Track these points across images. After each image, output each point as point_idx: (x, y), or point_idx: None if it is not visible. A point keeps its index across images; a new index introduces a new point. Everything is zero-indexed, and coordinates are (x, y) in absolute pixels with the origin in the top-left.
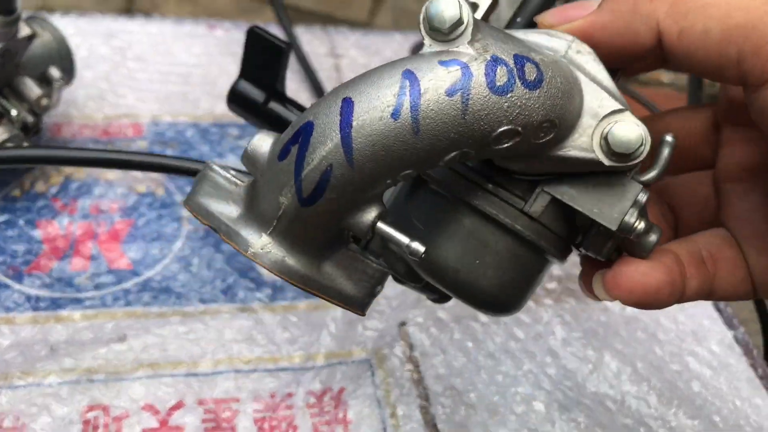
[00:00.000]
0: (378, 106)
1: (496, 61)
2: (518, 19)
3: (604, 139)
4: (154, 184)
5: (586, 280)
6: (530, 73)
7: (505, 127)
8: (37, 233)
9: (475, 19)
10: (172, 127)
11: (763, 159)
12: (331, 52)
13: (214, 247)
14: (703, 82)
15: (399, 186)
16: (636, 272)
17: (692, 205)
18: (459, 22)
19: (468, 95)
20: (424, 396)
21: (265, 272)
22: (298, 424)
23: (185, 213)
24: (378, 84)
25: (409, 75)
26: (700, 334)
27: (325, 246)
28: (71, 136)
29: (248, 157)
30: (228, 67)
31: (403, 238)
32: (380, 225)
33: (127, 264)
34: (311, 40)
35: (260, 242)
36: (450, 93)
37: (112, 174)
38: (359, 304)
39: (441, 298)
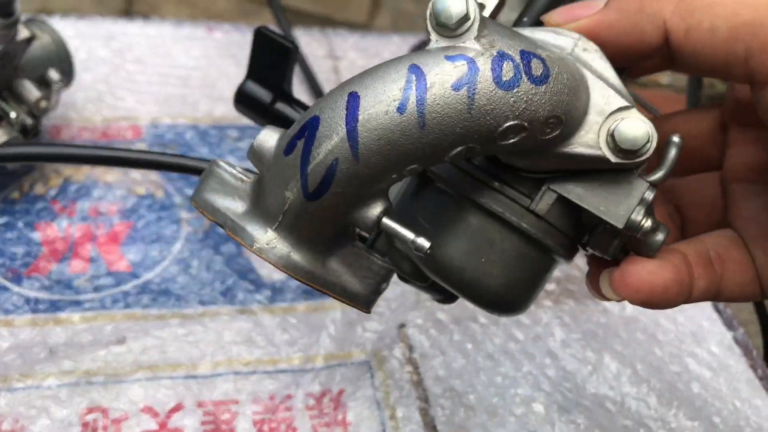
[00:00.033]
0: (384, 100)
1: (502, 56)
2: (525, 19)
3: (611, 135)
4: (153, 186)
5: (593, 279)
6: (537, 68)
7: (511, 122)
8: (36, 235)
9: (481, 16)
10: (171, 130)
11: None
12: (329, 54)
13: (213, 249)
14: (702, 84)
15: (405, 185)
16: (643, 271)
17: (699, 206)
18: (465, 17)
19: (474, 90)
20: (424, 398)
21: (264, 274)
22: (298, 426)
23: (184, 215)
24: (384, 78)
25: (416, 69)
26: (699, 335)
27: (330, 242)
28: (70, 139)
29: (254, 153)
30: (227, 70)
31: (409, 234)
32: (385, 220)
33: (126, 266)
34: (310, 42)
35: (266, 237)
36: (456, 87)
37: (111, 176)
38: (364, 302)
39: (447, 299)
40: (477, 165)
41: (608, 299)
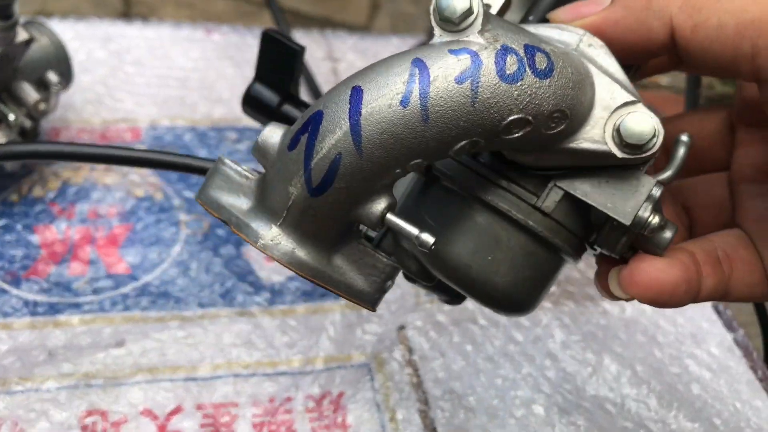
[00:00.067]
0: (387, 94)
1: (506, 50)
2: (530, 18)
3: (617, 130)
4: (152, 189)
5: (601, 278)
6: (541, 62)
7: (515, 116)
8: (35, 238)
9: (485, 11)
10: (170, 131)
11: None
12: (328, 56)
13: (212, 251)
14: (700, 85)
15: (410, 184)
16: (652, 269)
17: (707, 206)
18: (469, 11)
19: (477, 83)
20: (424, 400)
21: (263, 276)
22: (298, 428)
23: (183, 217)
24: (387, 72)
25: (419, 63)
26: (699, 336)
27: (335, 238)
28: (69, 141)
29: (258, 149)
30: (225, 71)
31: (413, 230)
32: (390, 216)
33: (125, 268)
34: (309, 44)
35: (270, 234)
36: (459, 81)
37: (110, 178)
38: (370, 300)
39: (453, 299)
40: (483, 162)
41: (617, 298)
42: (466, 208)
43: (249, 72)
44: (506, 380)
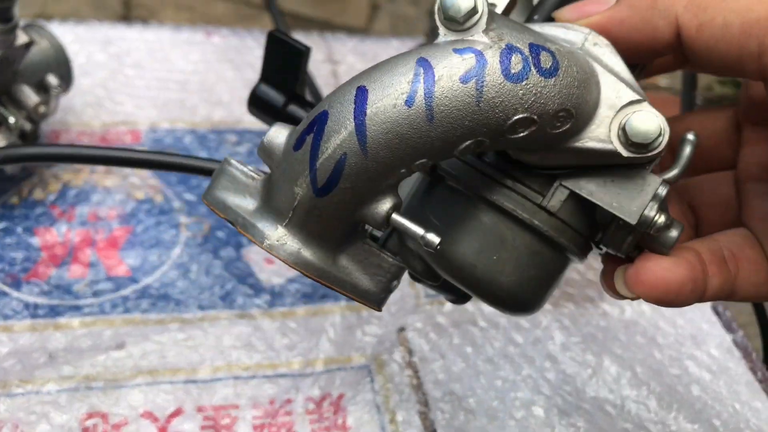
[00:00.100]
0: (392, 94)
1: (510, 49)
2: (535, 17)
3: (622, 129)
4: (152, 191)
5: (607, 277)
6: (546, 61)
7: (521, 115)
8: (36, 240)
9: (490, 10)
10: (170, 134)
11: None
12: (328, 59)
13: (212, 254)
14: (696, 86)
15: (415, 184)
16: (658, 267)
17: (713, 205)
18: (474, 11)
19: (482, 82)
20: (424, 401)
21: (263, 278)
22: (298, 430)
23: (183, 219)
24: (392, 72)
25: (424, 62)
26: (699, 337)
27: (340, 238)
28: (70, 143)
29: (264, 149)
30: (225, 74)
31: (418, 229)
32: (395, 216)
33: (125, 271)
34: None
35: (276, 234)
36: (464, 80)
37: (110, 181)
38: (375, 299)
39: (459, 299)
40: (488, 162)
41: (623, 297)
42: (471, 207)
43: (249, 75)
44: (506, 382)
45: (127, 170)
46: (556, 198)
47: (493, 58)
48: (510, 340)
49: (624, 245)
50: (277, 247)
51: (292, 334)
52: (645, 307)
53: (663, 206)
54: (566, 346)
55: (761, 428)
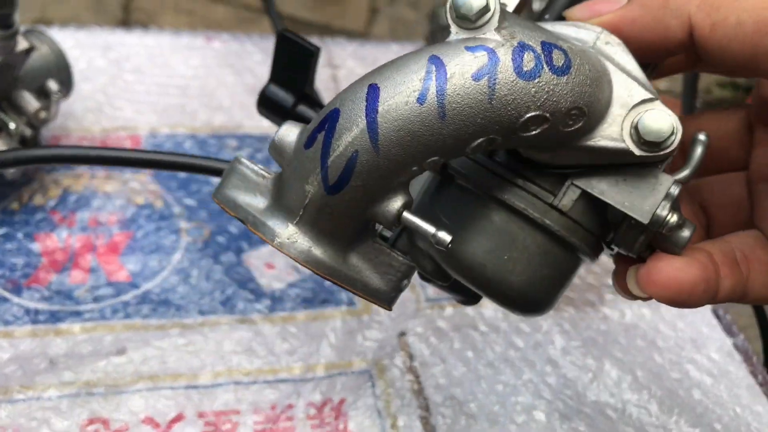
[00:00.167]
0: (404, 91)
1: (523, 47)
2: (546, 16)
3: (635, 128)
4: (152, 196)
5: (619, 278)
6: (558, 59)
7: (533, 113)
8: (36, 246)
9: (501, 8)
10: (170, 139)
11: None
12: (328, 63)
13: (212, 259)
14: (696, 89)
15: (426, 184)
16: (671, 268)
17: (725, 205)
18: (486, 8)
19: (495, 80)
20: (425, 406)
21: (264, 283)
22: None
23: (183, 225)
24: (404, 69)
25: (435, 60)
26: (699, 341)
27: (351, 236)
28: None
29: (275, 148)
30: (225, 79)
31: (429, 228)
32: (406, 214)
33: (126, 276)
34: None
35: (287, 232)
36: (476, 77)
37: (110, 186)
38: (386, 298)
39: (468, 300)
40: (499, 161)
41: (635, 298)
42: (481, 207)
43: (249, 79)
44: (507, 386)
45: (127, 175)
46: (568, 197)
47: (505, 56)
48: (511, 345)
49: (636, 245)
50: (287, 245)
51: (292, 339)
52: (645, 310)
53: (675, 206)
54: (567, 350)
55: None
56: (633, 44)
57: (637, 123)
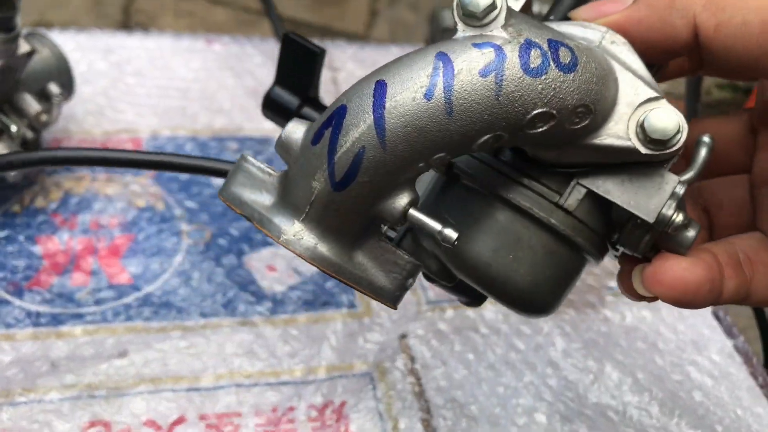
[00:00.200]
0: (411, 87)
1: (530, 44)
2: (551, 17)
3: (641, 126)
4: (153, 199)
5: (624, 278)
6: (564, 56)
7: (540, 110)
8: (37, 249)
9: (508, 6)
10: (171, 142)
11: None
12: (328, 65)
13: (214, 261)
14: (700, 95)
15: (431, 183)
16: (677, 267)
17: (728, 208)
18: (492, 6)
19: (502, 76)
20: (426, 409)
21: (265, 285)
22: None
23: (185, 227)
24: (411, 66)
25: (443, 56)
26: (700, 343)
27: (357, 234)
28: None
29: (282, 145)
30: (226, 82)
31: (436, 225)
32: (412, 211)
33: (127, 279)
34: None
35: (293, 229)
36: (484, 74)
37: (111, 189)
38: (391, 297)
39: (473, 301)
40: (504, 161)
41: (640, 299)
42: (487, 206)
43: (250, 82)
44: (508, 388)
45: (129, 178)
46: (573, 197)
47: (512, 53)
48: (511, 347)
49: (641, 245)
50: (293, 242)
51: (293, 341)
52: (646, 312)
53: (681, 205)
54: (568, 352)
55: None
56: (638, 44)
57: (643, 121)
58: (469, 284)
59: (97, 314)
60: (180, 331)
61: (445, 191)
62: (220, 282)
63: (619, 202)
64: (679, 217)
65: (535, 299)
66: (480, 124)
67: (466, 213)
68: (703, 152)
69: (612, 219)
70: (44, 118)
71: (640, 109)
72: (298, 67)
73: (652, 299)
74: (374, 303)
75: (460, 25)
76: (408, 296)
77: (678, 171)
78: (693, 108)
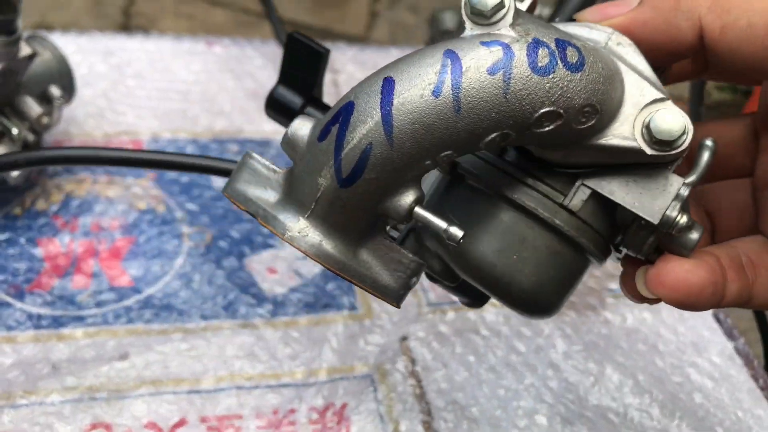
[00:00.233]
0: (419, 84)
1: (537, 43)
2: (557, 19)
3: (646, 127)
4: (154, 201)
5: (626, 280)
6: (572, 56)
7: (547, 109)
8: (39, 251)
9: (515, 6)
10: (171, 144)
11: None
12: (328, 67)
13: (215, 264)
14: (703, 96)
15: (435, 183)
16: (680, 269)
17: (730, 211)
18: (500, 5)
19: (510, 74)
20: (427, 411)
21: (266, 288)
22: None
23: (186, 229)
24: (419, 63)
25: (451, 54)
26: (700, 345)
27: (362, 231)
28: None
29: (288, 142)
30: (227, 84)
31: (441, 223)
32: (418, 209)
33: (128, 281)
34: None
35: (298, 226)
36: (492, 72)
37: (113, 191)
38: (394, 295)
39: (474, 302)
40: (509, 161)
41: (642, 300)
42: (491, 206)
43: (250, 84)
44: (509, 391)
45: (129, 180)
46: (578, 197)
47: (520, 51)
48: (512, 349)
49: (645, 246)
50: (298, 239)
51: (294, 343)
52: (646, 314)
53: (685, 207)
54: (568, 354)
55: None
56: (644, 46)
57: (648, 122)
58: (471, 285)
59: (98, 316)
60: (181, 334)
61: (449, 191)
62: (220, 284)
63: (623, 203)
64: (683, 219)
65: (539, 300)
66: (487, 121)
67: (470, 213)
68: (705, 156)
69: (616, 221)
70: (45, 120)
71: (646, 110)
72: (303, 67)
73: (654, 301)
74: (375, 305)
75: (468, 24)
76: (409, 298)
77: (680, 174)
78: (696, 111)
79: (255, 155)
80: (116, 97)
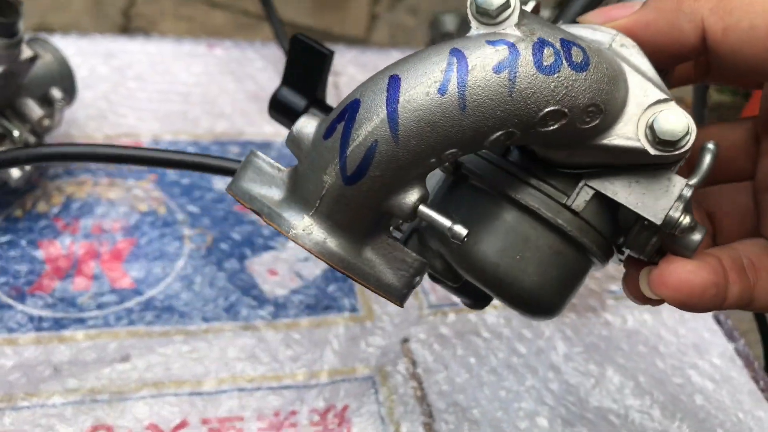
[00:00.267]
0: (425, 82)
1: (543, 42)
2: (560, 21)
3: (650, 127)
4: (155, 203)
5: (629, 281)
6: (577, 55)
7: (552, 108)
8: (40, 253)
9: (521, 7)
10: (172, 146)
11: None
12: None
13: (216, 266)
14: (707, 100)
15: (438, 184)
16: (683, 270)
17: (731, 214)
18: (506, 5)
19: (515, 73)
20: (428, 413)
21: (267, 290)
22: None
23: (187, 231)
24: (425, 61)
25: (457, 53)
26: (701, 346)
27: (366, 230)
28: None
29: (293, 140)
30: (227, 86)
31: (446, 221)
32: (422, 207)
33: (129, 283)
34: None
35: (302, 223)
36: (497, 70)
37: (114, 193)
38: (398, 294)
39: (476, 303)
40: (512, 161)
41: (645, 301)
42: (494, 206)
43: (251, 86)
44: (510, 392)
45: (131, 182)
46: (581, 198)
47: (525, 50)
48: (513, 351)
49: (647, 247)
50: (302, 237)
51: (296, 345)
52: (647, 316)
53: (688, 208)
54: (569, 356)
55: None
56: (647, 48)
57: (652, 122)
58: (473, 286)
59: (99, 318)
60: (182, 336)
61: (452, 191)
62: (222, 286)
63: (626, 204)
64: (686, 220)
65: (542, 300)
66: (493, 120)
67: (473, 213)
68: (707, 159)
69: (618, 222)
70: (46, 122)
71: (650, 110)
72: (306, 69)
73: (657, 302)
74: (376, 307)
75: (474, 23)
76: (410, 300)
77: (683, 175)
78: (700, 114)
79: (260, 154)
80: (117, 99)
